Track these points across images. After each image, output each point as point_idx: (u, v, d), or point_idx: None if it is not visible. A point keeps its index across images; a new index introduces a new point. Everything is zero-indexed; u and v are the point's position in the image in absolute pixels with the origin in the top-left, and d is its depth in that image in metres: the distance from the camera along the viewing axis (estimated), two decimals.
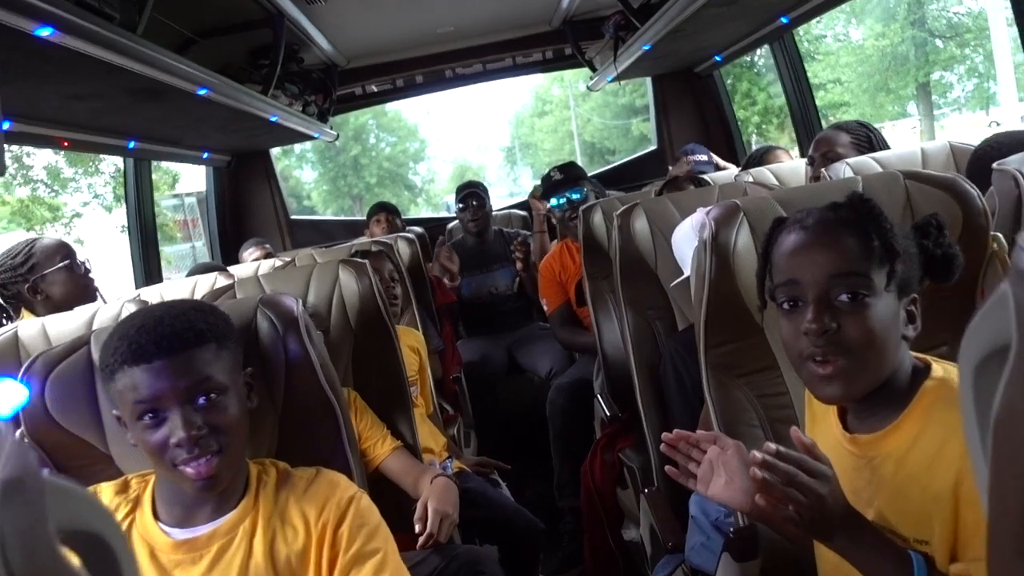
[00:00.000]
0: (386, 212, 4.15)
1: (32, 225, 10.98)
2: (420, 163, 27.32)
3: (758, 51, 4.62)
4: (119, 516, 1.20)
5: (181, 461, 1.13)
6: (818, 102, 4.00)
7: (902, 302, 1.05)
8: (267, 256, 4.20)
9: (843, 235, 1.04)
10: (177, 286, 3.13)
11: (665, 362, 2.12)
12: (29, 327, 1.81)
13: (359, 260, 2.23)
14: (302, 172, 24.54)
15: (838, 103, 15.63)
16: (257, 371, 1.32)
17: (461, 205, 4.13)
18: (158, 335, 1.12)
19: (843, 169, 2.10)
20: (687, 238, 2.01)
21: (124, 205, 3.55)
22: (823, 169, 2.23)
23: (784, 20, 3.16)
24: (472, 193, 4.11)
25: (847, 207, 1.06)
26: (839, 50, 16.06)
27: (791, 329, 1.06)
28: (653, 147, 5.17)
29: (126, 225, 3.55)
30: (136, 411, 1.13)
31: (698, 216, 1.97)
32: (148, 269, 3.54)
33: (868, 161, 2.22)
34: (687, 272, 1.99)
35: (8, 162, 1.78)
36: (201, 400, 1.14)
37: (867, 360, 1.02)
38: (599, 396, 2.81)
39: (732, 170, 3.75)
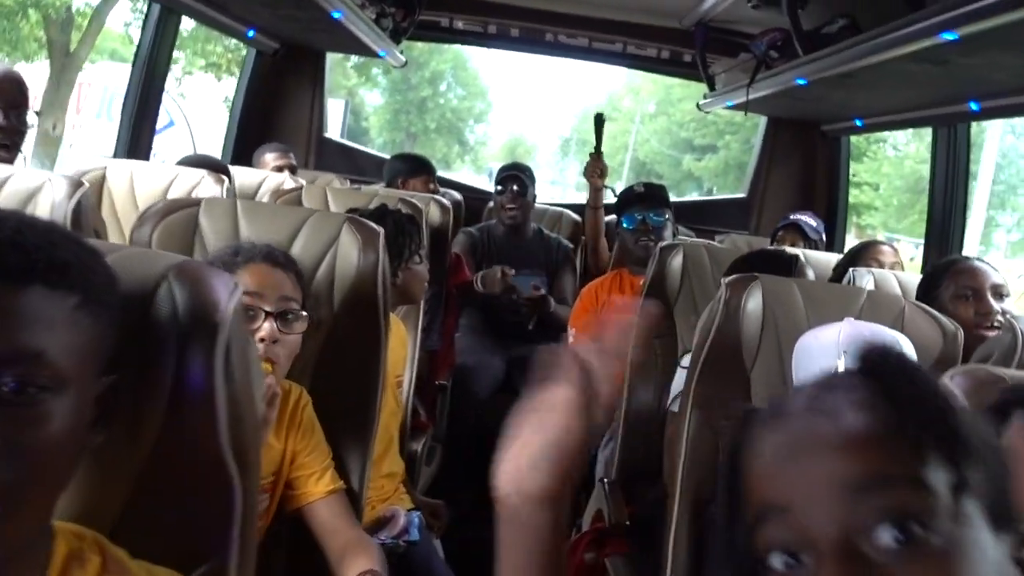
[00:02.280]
0: (434, 174, 3.52)
1: None
2: (479, 124, 27.77)
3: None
4: None
5: None
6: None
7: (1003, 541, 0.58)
8: (288, 170, 3.62)
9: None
10: (155, 170, 2.53)
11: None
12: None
13: (371, 225, 1.62)
14: (368, 94, 24.94)
15: (867, 204, 16.25)
16: (135, 382, 0.73)
17: (499, 187, 3.48)
18: None
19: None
20: (816, 355, 1.40)
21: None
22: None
23: (974, 107, 2.53)
24: (514, 176, 3.47)
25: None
26: (884, 159, 16.33)
27: None
28: (741, 195, 4.53)
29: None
30: None
31: (844, 331, 1.36)
32: (137, 142, 2.93)
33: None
34: None
35: None
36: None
37: None
38: (603, 482, 2.22)
39: (826, 256, 3.16)
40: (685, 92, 23.69)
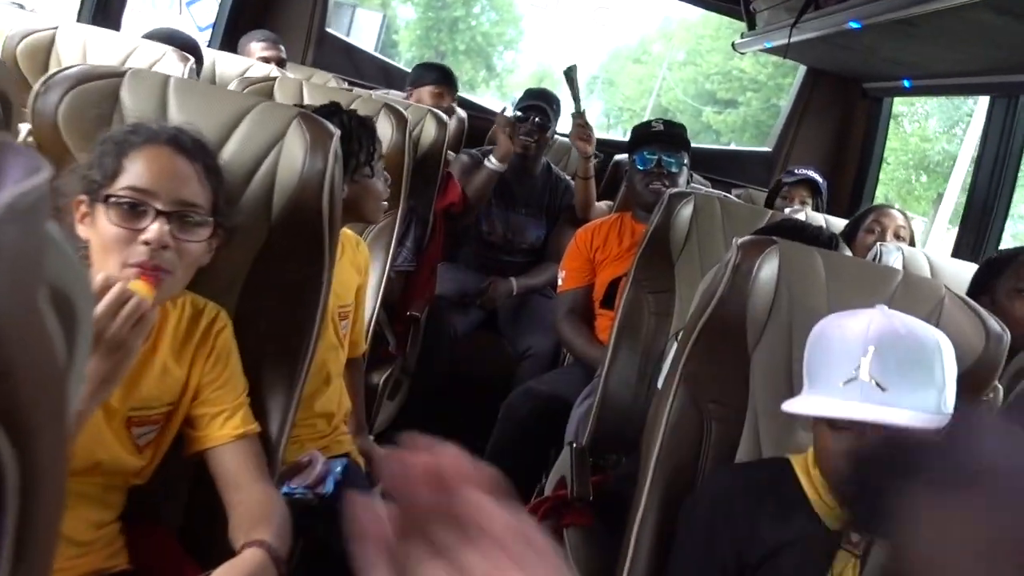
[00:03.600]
0: (448, 86, 3.19)
1: None
2: (509, 51, 28.05)
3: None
4: None
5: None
6: None
7: None
8: (276, 63, 3.31)
9: None
10: (112, 40, 2.24)
11: (700, 500, 1.29)
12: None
13: (325, 124, 1.35)
14: (401, 7, 25.38)
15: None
16: None
17: (520, 114, 3.08)
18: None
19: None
20: (837, 347, 1.14)
21: None
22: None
23: None
24: (537, 107, 3.07)
25: None
26: (893, 134, 16.19)
27: None
28: (765, 148, 4.21)
29: None
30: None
31: (875, 323, 1.11)
32: (106, 5, 2.61)
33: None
34: (806, 393, 1.15)
35: None
36: None
37: None
38: (571, 446, 2.00)
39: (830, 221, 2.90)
40: (715, 44, 24.34)
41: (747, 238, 1.39)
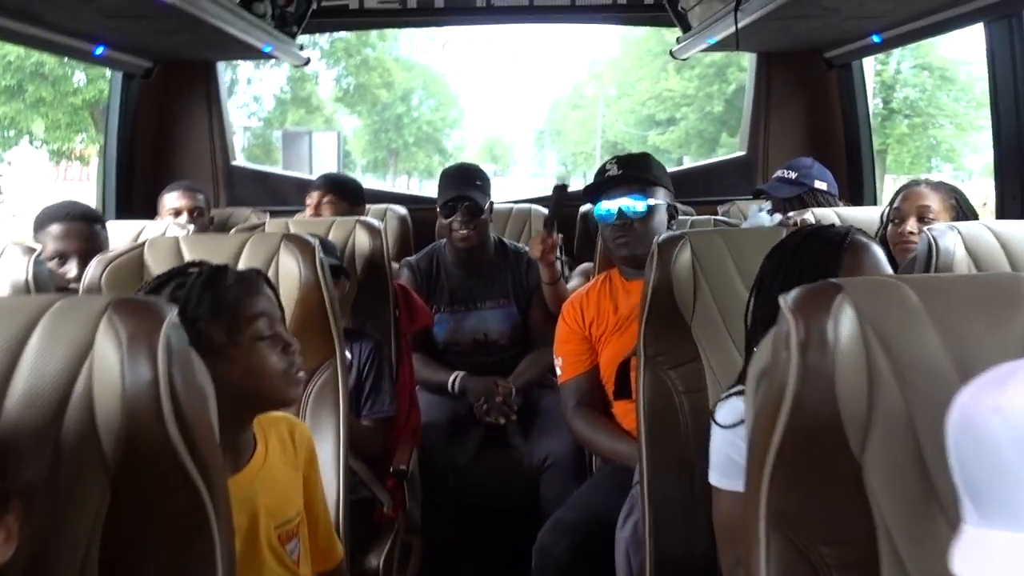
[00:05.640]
0: (331, 191, 2.78)
1: None
2: (455, 130, 29.82)
3: None
4: None
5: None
6: None
7: None
8: (193, 213, 2.90)
9: None
10: None
11: None
12: None
13: (145, 309, 0.89)
14: (345, 119, 27.42)
15: None
16: None
17: (448, 206, 2.62)
18: None
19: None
20: (1003, 446, 0.67)
21: None
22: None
23: None
24: (460, 196, 2.59)
25: None
26: None
27: None
28: (739, 152, 3.80)
29: None
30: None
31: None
32: None
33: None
34: (977, 525, 0.68)
35: None
36: None
37: None
38: None
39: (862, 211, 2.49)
40: (640, 72, 26.03)
41: (797, 295, 0.93)
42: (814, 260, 1.25)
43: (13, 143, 17.52)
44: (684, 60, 3.64)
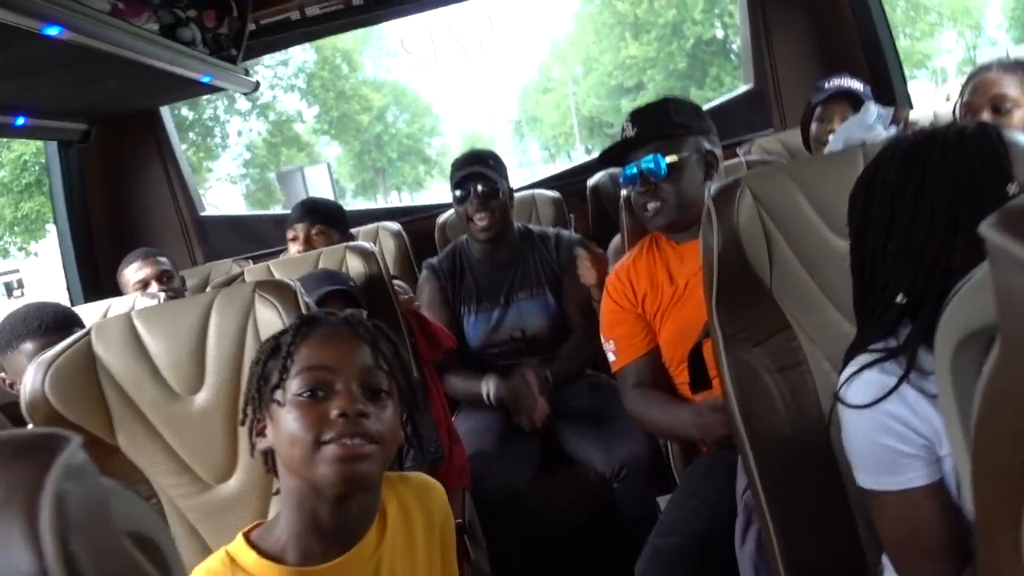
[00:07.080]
0: (318, 220, 2.47)
1: None
2: (435, 138, 29.94)
3: None
4: None
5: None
6: None
7: None
8: (161, 279, 2.60)
9: None
10: None
11: None
12: None
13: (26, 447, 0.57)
14: (327, 148, 27.92)
15: None
16: None
17: (459, 193, 2.38)
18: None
19: None
20: None
21: None
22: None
23: None
24: (475, 173, 2.36)
25: None
26: None
27: None
28: (747, 86, 3.45)
29: None
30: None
31: None
32: None
33: None
34: None
35: None
36: None
37: None
38: None
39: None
40: (602, 46, 26.50)
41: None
42: (984, 164, 0.97)
43: (40, 236, 17.88)
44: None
